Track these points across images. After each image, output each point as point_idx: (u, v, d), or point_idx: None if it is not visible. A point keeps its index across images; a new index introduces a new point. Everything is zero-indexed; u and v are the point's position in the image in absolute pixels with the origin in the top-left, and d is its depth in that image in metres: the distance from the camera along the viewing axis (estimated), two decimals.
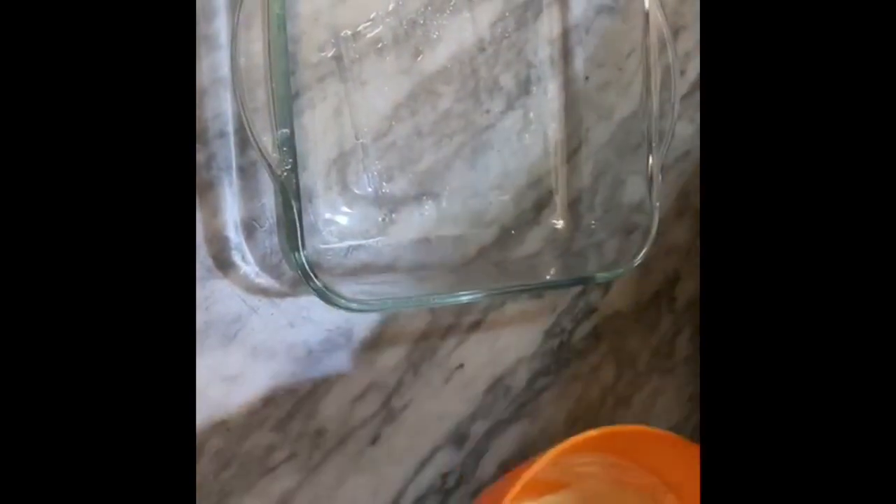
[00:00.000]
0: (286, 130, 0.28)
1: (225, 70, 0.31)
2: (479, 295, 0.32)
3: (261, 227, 0.31)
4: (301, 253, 0.28)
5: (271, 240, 0.32)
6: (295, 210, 0.28)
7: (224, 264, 0.31)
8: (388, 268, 0.34)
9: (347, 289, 0.30)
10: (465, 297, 0.32)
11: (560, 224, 0.38)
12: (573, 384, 0.38)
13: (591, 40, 0.38)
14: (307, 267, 0.28)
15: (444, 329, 0.35)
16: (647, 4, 0.36)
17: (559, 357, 0.38)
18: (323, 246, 0.32)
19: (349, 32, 0.33)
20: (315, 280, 0.28)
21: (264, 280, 0.32)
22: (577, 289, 0.38)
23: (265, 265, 0.32)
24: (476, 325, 0.36)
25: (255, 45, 0.30)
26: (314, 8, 0.32)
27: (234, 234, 0.31)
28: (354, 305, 0.29)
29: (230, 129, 0.31)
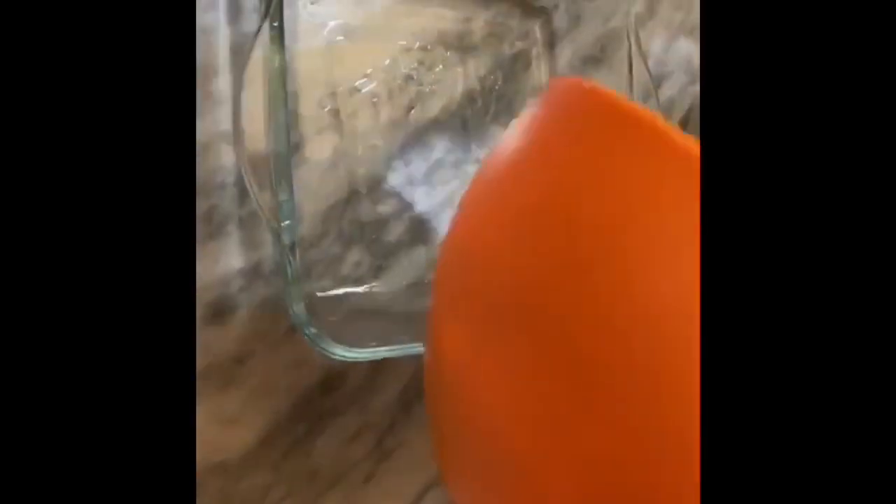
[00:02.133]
0: (285, 191, 0.29)
1: (226, 125, 0.32)
2: None
3: (260, 274, 0.33)
4: (297, 304, 0.29)
5: (270, 286, 0.33)
6: (290, 264, 0.29)
7: (224, 310, 0.32)
8: (383, 312, 0.35)
9: (343, 334, 0.31)
10: None
11: None
12: None
13: None
14: (303, 318, 0.29)
15: None
16: (630, 55, 0.37)
17: None
18: (319, 294, 0.33)
19: (345, 88, 0.34)
20: (310, 330, 0.29)
21: (263, 325, 0.33)
22: None
23: (264, 310, 0.33)
24: None
25: (256, 103, 0.31)
26: (312, 66, 0.33)
27: (235, 282, 0.32)
28: (349, 355, 0.30)
29: (231, 180, 0.32)
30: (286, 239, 0.30)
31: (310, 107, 0.34)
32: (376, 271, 0.35)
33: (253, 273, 0.33)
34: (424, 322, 0.35)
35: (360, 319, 0.34)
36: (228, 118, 0.32)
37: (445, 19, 0.36)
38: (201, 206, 0.32)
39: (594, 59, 0.40)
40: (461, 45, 0.36)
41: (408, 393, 0.36)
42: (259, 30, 0.29)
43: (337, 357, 0.30)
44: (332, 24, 0.34)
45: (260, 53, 0.30)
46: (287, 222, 0.30)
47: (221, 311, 0.32)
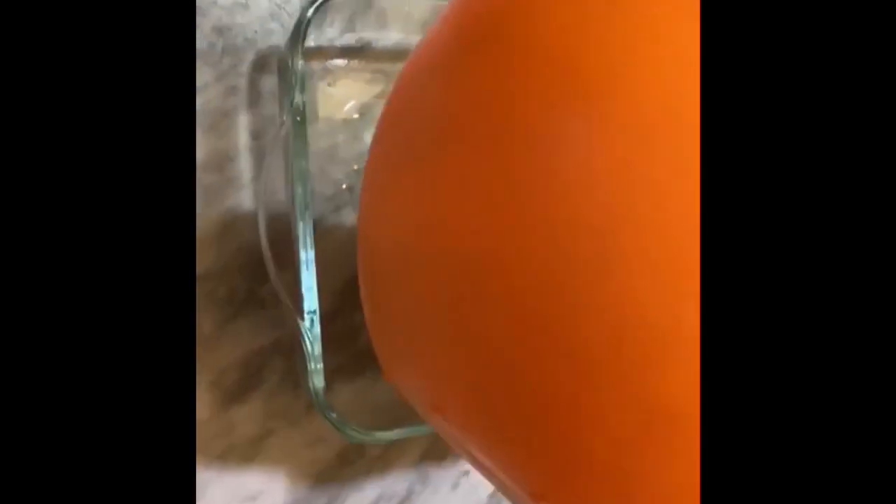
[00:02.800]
0: (307, 273, 0.30)
1: (246, 207, 0.33)
2: None
3: (279, 351, 0.33)
4: (317, 390, 0.30)
5: (289, 363, 0.33)
6: (311, 346, 0.30)
7: (245, 389, 0.33)
8: None
9: (360, 410, 0.32)
10: None
11: None
12: None
13: None
14: (323, 403, 0.30)
15: None
16: None
17: None
18: (338, 376, 0.34)
19: (362, 165, 0.35)
20: (331, 414, 0.30)
21: (282, 401, 0.33)
22: None
23: (283, 387, 0.34)
24: None
25: (277, 183, 0.32)
26: (330, 144, 0.34)
27: (255, 361, 0.33)
28: (367, 439, 0.31)
29: (251, 261, 0.33)
30: (307, 322, 0.31)
31: (328, 184, 0.34)
32: None
33: (272, 350, 0.33)
34: None
35: (376, 394, 0.35)
36: (249, 200, 0.33)
37: None
38: (223, 288, 0.32)
39: None
40: None
41: (424, 462, 0.37)
42: (282, 122, 0.30)
43: (356, 440, 0.31)
44: (349, 104, 0.35)
45: (280, 135, 0.31)
46: (310, 308, 0.30)
47: (243, 390, 0.33)
